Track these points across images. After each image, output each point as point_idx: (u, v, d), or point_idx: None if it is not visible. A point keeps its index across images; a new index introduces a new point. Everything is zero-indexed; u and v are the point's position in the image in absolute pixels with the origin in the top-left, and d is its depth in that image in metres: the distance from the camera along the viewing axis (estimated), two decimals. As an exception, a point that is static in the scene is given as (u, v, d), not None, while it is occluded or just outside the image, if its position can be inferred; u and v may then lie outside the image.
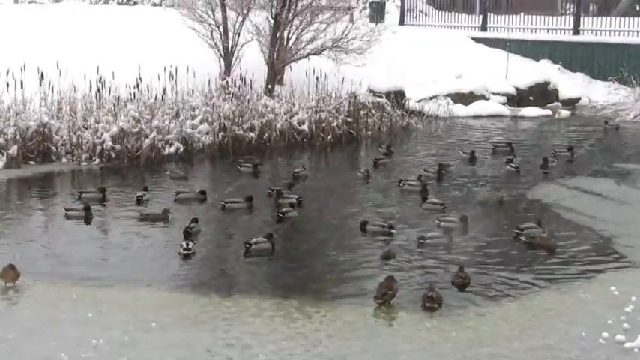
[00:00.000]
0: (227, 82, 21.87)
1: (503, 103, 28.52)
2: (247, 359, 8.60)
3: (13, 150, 17.95)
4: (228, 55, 23.90)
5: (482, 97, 28.33)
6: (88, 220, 13.92)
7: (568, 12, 37.03)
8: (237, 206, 14.75)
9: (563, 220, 14.24)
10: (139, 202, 15.21)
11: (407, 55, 29.38)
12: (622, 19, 32.75)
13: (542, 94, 29.71)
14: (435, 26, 37.89)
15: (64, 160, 18.78)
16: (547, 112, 28.05)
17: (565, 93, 30.13)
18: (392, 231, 13.19)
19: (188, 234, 13.04)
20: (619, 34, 32.19)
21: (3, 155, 17.96)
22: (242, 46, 23.94)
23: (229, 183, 17.15)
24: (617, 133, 24.39)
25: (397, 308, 10.05)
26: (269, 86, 23.34)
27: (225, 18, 24.07)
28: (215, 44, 23.96)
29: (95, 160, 18.66)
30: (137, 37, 26.25)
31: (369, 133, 22.87)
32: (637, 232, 13.66)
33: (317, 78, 22.88)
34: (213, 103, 20.54)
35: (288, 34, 24.64)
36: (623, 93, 28.41)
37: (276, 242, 12.51)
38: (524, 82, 29.75)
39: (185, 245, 12.16)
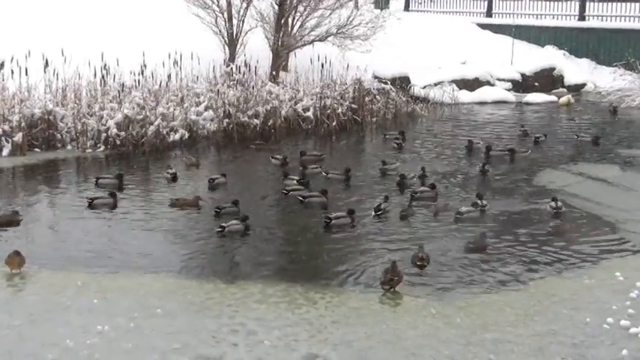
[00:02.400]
0: (232, 68, 21.85)
1: (509, 89, 28.50)
2: (252, 345, 8.60)
3: (18, 137, 17.97)
4: (232, 42, 23.89)
5: (488, 83, 28.32)
6: (114, 206, 13.96)
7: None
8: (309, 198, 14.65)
9: (568, 206, 14.20)
10: (175, 178, 15.83)
11: (412, 42, 29.35)
12: (627, 4, 32.59)
13: (547, 80, 29.68)
14: (440, 12, 37.85)
15: (68, 147, 18.82)
16: (552, 98, 28.01)
17: (570, 79, 30.09)
18: (373, 213, 13.55)
19: (218, 214, 13.39)
20: (625, 20, 32.07)
21: (8, 142, 17.98)
22: (246, 33, 23.93)
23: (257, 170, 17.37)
24: (616, 115, 24.72)
25: (402, 294, 10.05)
26: (274, 73, 23.32)
27: (229, 4, 24.04)
28: (219, 31, 23.95)
29: (100, 147, 18.69)
30: (141, 23, 26.24)
31: (374, 119, 22.88)
32: (642, 218, 13.65)
33: (322, 64, 22.84)
34: (218, 90, 20.52)
35: (293, 20, 24.62)
36: (629, 79, 28.39)
37: (356, 218, 13.19)
38: (529, 68, 29.74)
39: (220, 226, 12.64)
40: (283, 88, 22.05)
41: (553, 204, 13.80)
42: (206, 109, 20.17)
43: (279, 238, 12.57)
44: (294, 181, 15.45)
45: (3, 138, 18.07)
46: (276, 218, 13.71)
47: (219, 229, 12.56)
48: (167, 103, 19.69)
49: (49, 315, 9.32)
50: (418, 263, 10.89)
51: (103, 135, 18.72)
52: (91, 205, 13.96)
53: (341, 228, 12.87)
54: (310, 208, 14.08)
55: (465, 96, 27.20)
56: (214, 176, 15.83)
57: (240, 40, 23.90)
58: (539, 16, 34.63)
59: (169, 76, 20.77)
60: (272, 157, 17.71)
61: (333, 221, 12.94)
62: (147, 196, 14.94)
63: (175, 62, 21.00)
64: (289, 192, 14.76)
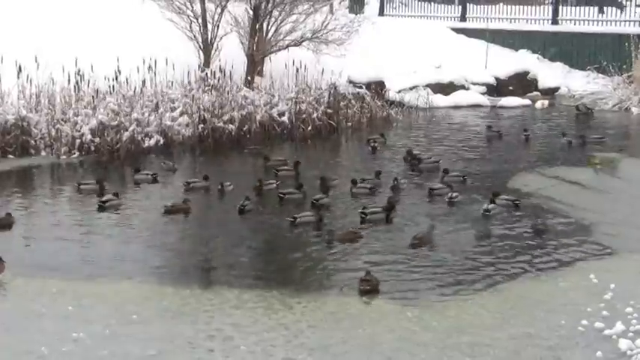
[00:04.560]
0: (206, 73, 21.77)
1: (483, 93, 28.59)
2: (229, 351, 8.59)
3: (-8, 144, 17.87)
4: (207, 47, 23.82)
5: (462, 87, 28.41)
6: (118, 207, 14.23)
7: (547, 2, 37.10)
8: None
9: (543, 209, 14.29)
10: (155, 180, 16.08)
11: (387, 46, 29.37)
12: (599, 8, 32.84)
13: (521, 83, 29.81)
14: (414, 17, 37.86)
15: (43, 153, 18.68)
16: (526, 101, 28.15)
17: (544, 83, 30.24)
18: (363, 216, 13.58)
19: (242, 211, 13.74)
20: (597, 24, 32.29)
21: (-19, 149, 17.86)
22: (221, 38, 23.87)
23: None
24: (591, 116, 25.10)
25: (379, 299, 10.07)
26: (249, 78, 23.27)
27: (204, 9, 23.98)
28: (194, 36, 23.87)
29: (74, 154, 18.58)
30: (116, 29, 26.08)
31: (349, 124, 22.89)
32: (616, 220, 13.77)
33: (296, 69, 22.83)
34: (193, 95, 20.47)
35: (268, 25, 24.58)
36: (602, 82, 28.58)
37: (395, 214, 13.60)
38: (503, 72, 29.84)
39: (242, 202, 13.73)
40: (258, 93, 22.01)
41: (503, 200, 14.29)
42: (181, 114, 20.11)
43: (255, 243, 12.54)
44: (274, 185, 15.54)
45: (-24, 145, 17.95)
46: (254, 223, 13.67)
47: (292, 220, 13.01)
48: (142, 109, 19.60)
49: (23, 322, 9.27)
50: (411, 242, 12.04)
51: (78, 141, 18.61)
52: (103, 208, 14.06)
53: (376, 223, 13.24)
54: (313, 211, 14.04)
55: (439, 100, 27.27)
56: (190, 179, 15.86)
57: (214, 46, 23.83)
58: (512, 21, 34.81)
59: (144, 82, 20.66)
60: (278, 170, 16.88)
61: (368, 216, 13.27)
62: (125, 201, 14.83)
63: (150, 68, 20.90)
64: (285, 194, 14.79)
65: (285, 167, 17.07)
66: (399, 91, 26.55)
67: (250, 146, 19.74)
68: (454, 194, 14.77)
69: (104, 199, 14.37)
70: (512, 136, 21.63)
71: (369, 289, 10.16)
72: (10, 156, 18.29)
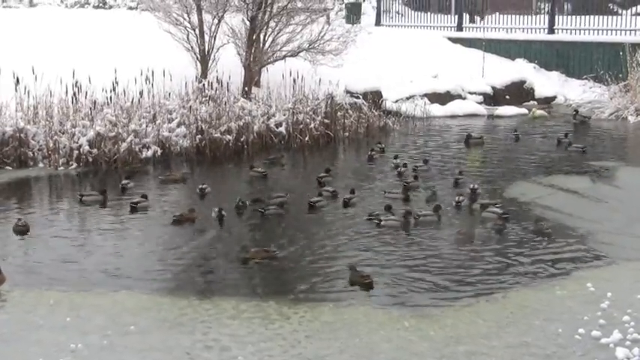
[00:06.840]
0: (204, 84, 21.82)
1: (480, 103, 28.64)
2: (226, 361, 8.62)
3: (-11, 155, 17.90)
4: (204, 58, 23.90)
5: (459, 96, 28.44)
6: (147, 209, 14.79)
7: (543, 11, 37.20)
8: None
9: (539, 218, 14.29)
10: (124, 190, 16.16)
11: (383, 56, 29.47)
12: (596, 17, 32.86)
13: (518, 93, 29.86)
14: (411, 27, 38.04)
15: (40, 164, 18.73)
16: (523, 110, 28.18)
17: (541, 92, 30.28)
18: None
19: (262, 215, 14.29)
20: (593, 33, 32.36)
21: (-21, 161, 17.89)
22: (218, 49, 23.95)
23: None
24: (588, 125, 25.13)
25: (375, 307, 10.09)
26: (246, 88, 23.34)
27: (201, 21, 24.06)
28: (191, 47, 23.95)
29: (72, 165, 18.61)
30: (113, 40, 26.23)
31: (347, 134, 22.92)
32: (613, 228, 13.78)
33: (294, 80, 22.87)
34: (190, 106, 20.50)
35: (265, 36, 24.67)
36: (598, 91, 28.63)
37: (443, 214, 14.18)
38: (500, 81, 29.88)
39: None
40: (256, 103, 22.06)
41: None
42: (178, 125, 20.16)
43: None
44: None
45: (-26, 156, 17.99)
46: (257, 232, 13.68)
47: (377, 222, 13.62)
48: (139, 120, 19.66)
49: (21, 334, 9.27)
50: (456, 236, 13.00)
51: (75, 152, 18.66)
52: (134, 210, 14.59)
53: (428, 225, 13.71)
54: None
55: (436, 110, 27.30)
56: (202, 186, 16.01)
57: (212, 57, 23.92)
58: (509, 30, 34.90)
59: (141, 93, 20.72)
60: (321, 179, 16.89)
61: (420, 218, 13.76)
62: (125, 211, 14.84)
63: (147, 79, 20.96)
64: (315, 203, 14.99)
65: (326, 175, 17.15)
66: (396, 101, 26.60)
67: (270, 156, 19.69)
68: (461, 198, 15.04)
69: (135, 200, 14.81)
70: (499, 143, 21.77)
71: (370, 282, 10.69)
72: (8, 167, 18.33)
